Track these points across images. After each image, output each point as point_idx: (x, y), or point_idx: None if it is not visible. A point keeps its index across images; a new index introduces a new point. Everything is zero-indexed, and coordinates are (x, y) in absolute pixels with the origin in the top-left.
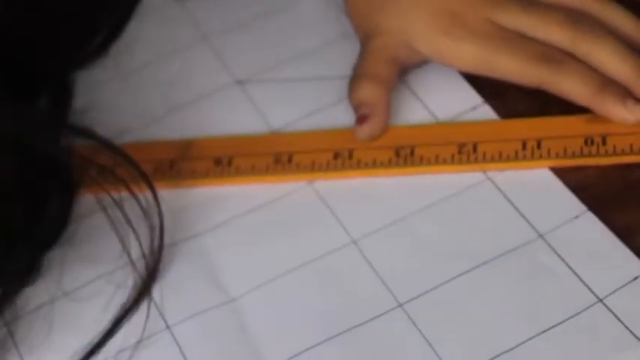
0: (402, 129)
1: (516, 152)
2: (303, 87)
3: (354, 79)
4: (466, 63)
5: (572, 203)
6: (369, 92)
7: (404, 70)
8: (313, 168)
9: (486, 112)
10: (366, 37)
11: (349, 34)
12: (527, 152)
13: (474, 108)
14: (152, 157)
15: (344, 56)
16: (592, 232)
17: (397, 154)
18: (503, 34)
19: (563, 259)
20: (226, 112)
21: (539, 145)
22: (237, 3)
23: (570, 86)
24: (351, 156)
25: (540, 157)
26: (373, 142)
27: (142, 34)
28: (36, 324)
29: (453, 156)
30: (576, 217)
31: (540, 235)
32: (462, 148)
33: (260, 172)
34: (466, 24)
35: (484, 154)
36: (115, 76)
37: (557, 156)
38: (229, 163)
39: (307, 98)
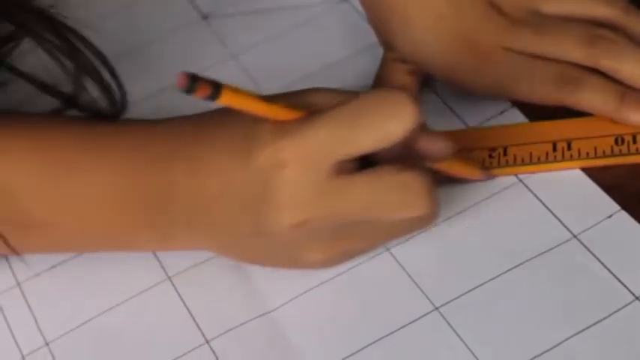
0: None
1: (547, 154)
2: None
3: (373, 88)
4: (483, 91)
5: (605, 202)
6: None
7: (426, 77)
8: None
9: (515, 116)
10: (385, 47)
11: (372, 47)
12: (557, 154)
13: (503, 112)
14: None
15: (368, 68)
16: (626, 231)
17: None
18: (519, 59)
19: (597, 259)
20: None
21: (569, 146)
22: (261, 18)
23: (590, 103)
24: None
25: (571, 157)
26: None
27: (168, 53)
28: None
29: (483, 160)
30: (609, 216)
31: (574, 236)
32: (492, 152)
33: None
34: (481, 52)
35: (515, 157)
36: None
37: (587, 156)
38: None
39: None
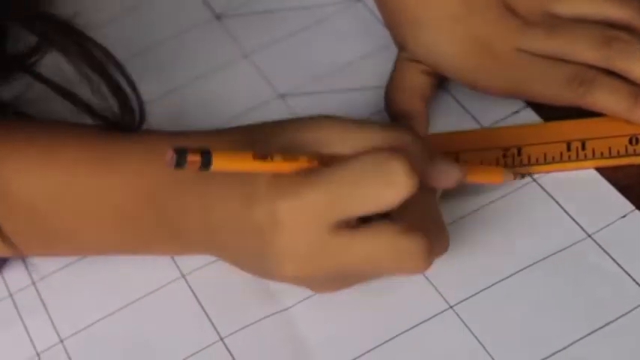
0: (446, 135)
1: (561, 154)
2: (343, 98)
3: (391, 90)
4: (497, 92)
5: (619, 202)
6: (403, 103)
7: (441, 77)
8: None
9: (529, 116)
10: (399, 48)
11: (385, 47)
12: (571, 153)
13: (517, 112)
14: None
15: (381, 68)
16: None
17: None
18: (533, 60)
19: (612, 258)
20: None
21: (583, 146)
22: (274, 18)
23: (604, 104)
24: None
25: (585, 157)
26: None
27: (182, 52)
28: None
29: (497, 160)
30: (624, 216)
31: (589, 235)
32: (506, 152)
33: None
34: (495, 54)
35: (529, 157)
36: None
37: (602, 156)
38: None
39: (347, 109)
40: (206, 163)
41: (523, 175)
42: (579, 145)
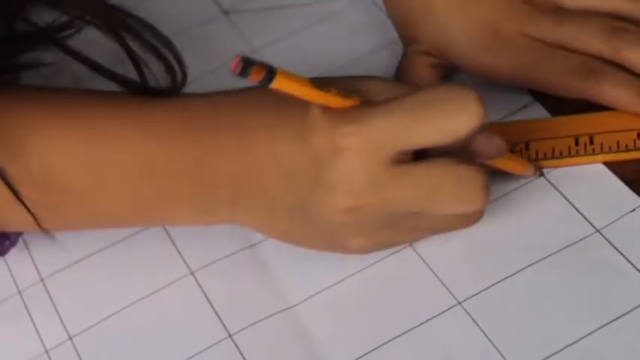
0: None
1: (569, 148)
2: None
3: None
4: (505, 77)
5: (627, 197)
6: None
7: (446, 72)
8: None
9: (537, 110)
10: (406, 41)
11: (393, 42)
12: (580, 148)
13: (525, 106)
14: None
15: (389, 63)
16: None
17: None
18: (541, 47)
19: (621, 253)
20: None
21: (591, 141)
22: (282, 14)
23: (611, 95)
24: None
25: (593, 152)
26: None
27: (189, 48)
28: None
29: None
30: (632, 210)
31: (597, 230)
32: (514, 147)
33: None
34: (504, 39)
35: (537, 151)
36: None
37: (610, 150)
38: None
39: None
40: (268, 78)
41: (541, 173)
42: (587, 139)
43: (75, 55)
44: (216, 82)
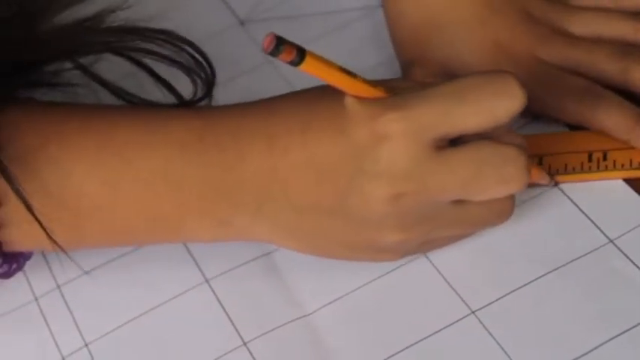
0: None
1: (582, 164)
2: None
3: None
4: None
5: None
6: None
7: None
8: None
9: (549, 121)
10: (408, 64)
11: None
12: (592, 164)
13: (537, 118)
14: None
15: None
16: None
17: None
18: (545, 69)
19: (634, 263)
20: None
21: (605, 157)
22: (297, 24)
23: (607, 122)
24: None
25: (606, 168)
26: None
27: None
28: None
29: None
30: None
31: (610, 240)
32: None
33: None
34: (512, 59)
35: (550, 166)
36: None
37: (623, 167)
38: None
39: None
40: (299, 58)
41: (556, 183)
42: (601, 155)
43: (98, 79)
44: (233, 91)
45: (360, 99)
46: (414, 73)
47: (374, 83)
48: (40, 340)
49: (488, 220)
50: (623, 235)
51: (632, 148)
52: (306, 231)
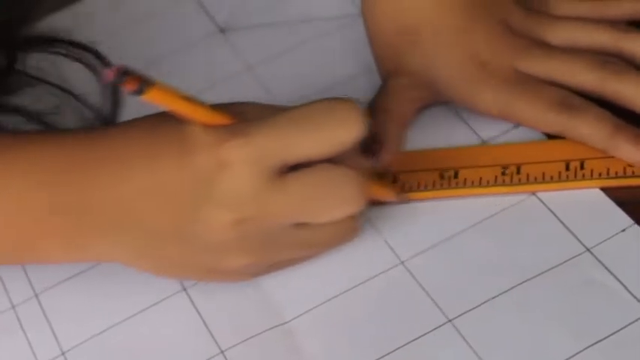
0: (446, 151)
1: (559, 173)
2: None
3: (374, 112)
4: (487, 108)
5: (618, 216)
6: (381, 127)
7: (424, 107)
8: None
9: (529, 130)
10: (388, 75)
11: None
12: (570, 173)
13: (517, 125)
14: None
15: (370, 86)
16: (639, 245)
17: (441, 177)
18: (524, 81)
19: (610, 272)
20: None
21: (582, 166)
22: (278, 32)
23: (585, 132)
24: (395, 179)
25: (584, 177)
26: (417, 165)
27: (185, 65)
28: None
29: (496, 178)
30: (623, 230)
31: (587, 249)
32: (505, 170)
33: None
34: (490, 70)
35: (527, 175)
36: None
37: (600, 176)
38: None
39: None
40: (143, 88)
41: (408, 200)
42: (578, 165)
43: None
44: (213, 99)
45: (205, 126)
46: (393, 84)
47: (220, 110)
48: (16, 349)
49: (334, 240)
50: (600, 243)
51: (610, 157)
52: (155, 255)
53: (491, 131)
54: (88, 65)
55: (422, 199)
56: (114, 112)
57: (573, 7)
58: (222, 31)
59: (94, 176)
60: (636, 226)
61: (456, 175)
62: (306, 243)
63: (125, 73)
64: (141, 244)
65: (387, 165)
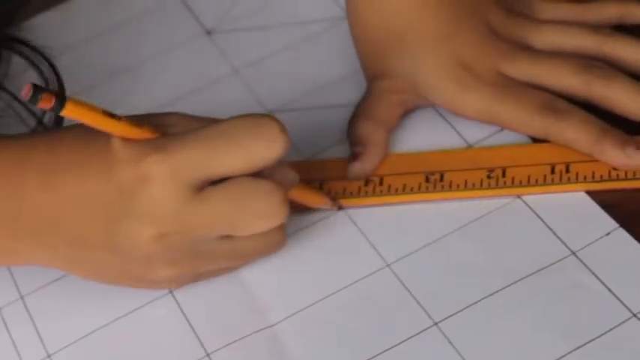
0: (432, 154)
1: (545, 176)
2: (331, 114)
3: (355, 117)
4: (471, 112)
5: (603, 220)
6: (366, 131)
7: (409, 111)
8: (344, 194)
9: (515, 133)
10: (373, 78)
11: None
12: (555, 176)
13: (502, 129)
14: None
15: (357, 89)
16: (624, 248)
17: (427, 180)
18: (509, 84)
19: (596, 275)
20: None
21: (567, 169)
22: (264, 35)
23: (571, 135)
24: (381, 182)
25: (569, 180)
26: (403, 168)
27: (171, 68)
28: None
29: (482, 181)
30: (608, 233)
31: (573, 253)
32: (491, 173)
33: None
34: (475, 74)
35: (513, 179)
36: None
37: (585, 180)
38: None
39: (334, 126)
40: (59, 105)
41: (340, 207)
42: (564, 168)
43: None
44: (198, 101)
45: (125, 140)
46: (377, 87)
47: (143, 122)
48: (2, 351)
49: (259, 251)
50: (585, 247)
51: (595, 160)
52: (83, 263)
53: (476, 134)
54: (37, 67)
55: (407, 202)
56: (58, 119)
57: (557, 10)
58: (209, 33)
59: (26, 180)
60: (621, 229)
61: (441, 178)
62: (230, 254)
63: (40, 90)
64: (67, 252)
65: (372, 169)
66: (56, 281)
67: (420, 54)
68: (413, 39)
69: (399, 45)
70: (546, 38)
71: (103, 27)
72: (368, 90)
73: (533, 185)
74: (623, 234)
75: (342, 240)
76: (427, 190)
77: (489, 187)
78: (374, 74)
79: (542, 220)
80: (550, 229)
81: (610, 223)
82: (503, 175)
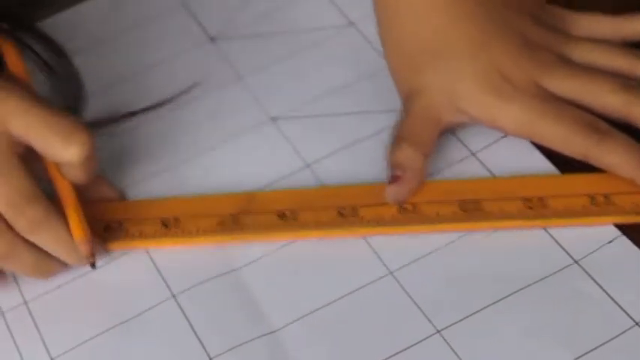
0: (466, 183)
1: (583, 207)
2: (334, 122)
3: (395, 140)
4: (510, 123)
5: (606, 228)
6: (406, 155)
7: (447, 130)
8: (378, 222)
9: (521, 144)
10: (409, 95)
11: (378, 72)
12: (594, 207)
13: (504, 136)
14: (215, 212)
15: (373, 92)
16: (626, 256)
17: (462, 209)
18: (549, 98)
19: (598, 284)
20: (262, 148)
21: (607, 200)
22: (268, 42)
23: (613, 159)
24: (415, 209)
25: (607, 212)
26: (437, 196)
27: (175, 74)
28: None
29: (519, 211)
30: (610, 241)
31: (575, 261)
32: (528, 202)
33: (323, 227)
34: (514, 84)
35: (552, 208)
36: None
37: (617, 213)
38: (294, 217)
39: (338, 133)
40: None
41: (93, 265)
42: (603, 199)
43: None
44: (202, 108)
45: None
46: (416, 107)
47: None
48: (5, 356)
49: (30, 273)
50: (587, 255)
51: (634, 192)
52: None
53: (478, 143)
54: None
55: (442, 231)
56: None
57: (592, 24)
58: (213, 40)
59: None
60: (623, 237)
61: (477, 208)
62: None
63: None
64: None
65: (409, 194)
66: (60, 287)
67: (457, 65)
68: (449, 52)
69: (435, 59)
70: (580, 54)
71: (106, 35)
72: (406, 110)
73: (569, 217)
74: (625, 242)
75: (346, 247)
76: (462, 220)
77: (527, 218)
78: (409, 90)
79: (545, 229)
80: (552, 237)
81: (612, 231)
82: (542, 205)
